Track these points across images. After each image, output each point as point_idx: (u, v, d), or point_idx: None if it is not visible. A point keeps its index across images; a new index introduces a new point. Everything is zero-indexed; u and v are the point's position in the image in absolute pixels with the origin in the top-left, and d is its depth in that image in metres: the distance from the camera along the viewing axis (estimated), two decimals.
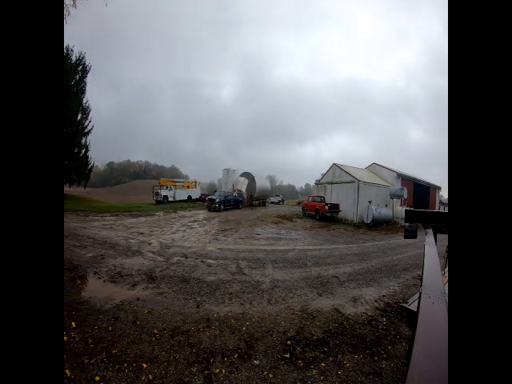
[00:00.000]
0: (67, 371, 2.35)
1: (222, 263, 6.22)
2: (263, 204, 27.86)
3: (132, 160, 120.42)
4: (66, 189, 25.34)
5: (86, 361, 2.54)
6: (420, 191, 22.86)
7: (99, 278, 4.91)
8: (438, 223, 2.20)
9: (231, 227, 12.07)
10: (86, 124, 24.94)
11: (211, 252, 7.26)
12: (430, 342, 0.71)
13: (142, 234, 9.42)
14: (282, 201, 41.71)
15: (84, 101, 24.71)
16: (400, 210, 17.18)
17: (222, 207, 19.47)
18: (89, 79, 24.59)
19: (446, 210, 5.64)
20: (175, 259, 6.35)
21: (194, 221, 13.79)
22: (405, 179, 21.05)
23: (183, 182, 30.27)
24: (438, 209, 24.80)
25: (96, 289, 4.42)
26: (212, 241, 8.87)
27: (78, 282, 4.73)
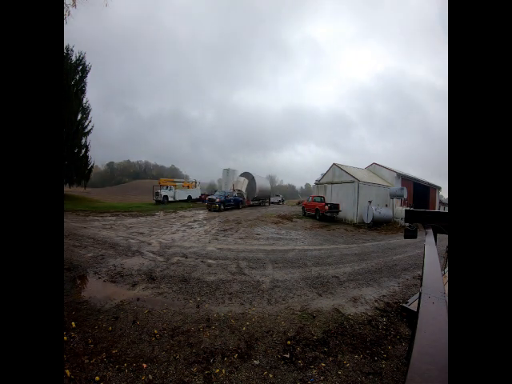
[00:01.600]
0: (67, 371, 2.35)
1: (221, 263, 6.22)
2: (263, 204, 27.84)
3: (132, 160, 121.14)
4: (66, 189, 25.30)
5: (86, 361, 2.54)
6: (420, 191, 22.86)
7: (99, 277, 4.91)
8: (437, 223, 2.20)
9: (231, 227, 12.06)
10: (86, 124, 24.93)
11: (211, 252, 7.26)
12: (430, 342, 0.71)
13: (141, 234, 9.41)
14: (282, 201, 41.73)
15: (84, 101, 24.73)
16: (400, 210, 17.17)
17: (222, 207, 19.45)
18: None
19: (446, 210, 5.63)
20: (175, 259, 6.35)
21: (194, 221, 13.79)
22: (405, 179, 21.06)
23: (183, 182, 30.23)
24: (438, 209, 24.80)
25: (96, 289, 4.42)
26: (212, 241, 8.87)
27: (78, 282, 4.73)
